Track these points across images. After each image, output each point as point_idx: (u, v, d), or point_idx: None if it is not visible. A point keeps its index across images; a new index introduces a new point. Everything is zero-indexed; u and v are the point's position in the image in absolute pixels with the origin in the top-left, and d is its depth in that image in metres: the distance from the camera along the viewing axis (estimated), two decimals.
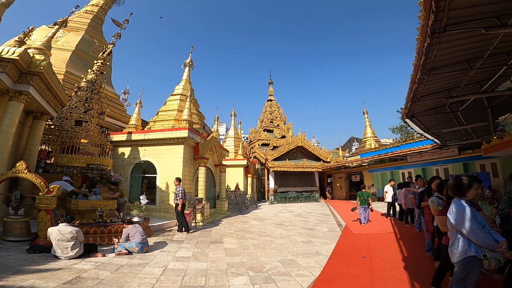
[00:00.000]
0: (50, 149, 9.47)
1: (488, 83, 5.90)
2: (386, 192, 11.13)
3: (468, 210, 2.53)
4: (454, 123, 9.27)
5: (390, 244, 6.49)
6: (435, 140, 12.31)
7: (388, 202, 11.10)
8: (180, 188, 8.21)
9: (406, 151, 17.95)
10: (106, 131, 11.70)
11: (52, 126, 9.28)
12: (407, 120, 8.41)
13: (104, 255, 5.21)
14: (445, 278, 3.52)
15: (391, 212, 11.08)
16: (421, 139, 17.10)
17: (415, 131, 10.33)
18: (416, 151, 17.08)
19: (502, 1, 3.33)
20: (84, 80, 10.53)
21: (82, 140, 9.31)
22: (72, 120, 9.45)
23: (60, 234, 4.85)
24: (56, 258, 4.83)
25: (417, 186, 7.94)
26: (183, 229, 7.96)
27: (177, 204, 8.08)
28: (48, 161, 9.04)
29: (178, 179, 8.50)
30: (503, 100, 7.33)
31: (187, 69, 14.37)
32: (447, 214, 2.73)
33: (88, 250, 5.16)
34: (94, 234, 6.14)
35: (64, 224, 5.06)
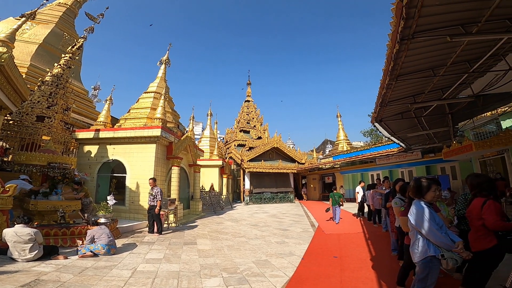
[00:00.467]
0: (7, 146, 8.71)
1: (450, 90, 6.33)
2: (358, 193, 11.58)
3: (427, 211, 2.62)
4: (418, 128, 9.86)
5: (359, 243, 6.73)
6: (401, 143, 13.03)
7: (359, 203, 11.57)
8: (158, 189, 7.90)
9: (375, 154, 18.86)
10: (71, 128, 10.99)
11: (11, 122, 8.54)
12: (376, 124, 8.81)
13: (66, 258, 4.91)
14: (408, 277, 3.64)
15: (361, 212, 11.54)
16: (388, 143, 18.07)
17: (383, 135, 10.88)
18: (384, 154, 18.01)
19: (468, 9, 3.53)
20: (49, 74, 9.84)
21: (44, 137, 8.67)
22: (33, 115, 8.76)
23: (16, 236, 4.51)
24: (13, 260, 4.51)
25: (383, 188, 8.33)
26: (155, 230, 7.67)
27: (153, 206, 7.74)
28: (5, 159, 8.31)
29: (154, 180, 8.15)
30: (463, 107, 7.91)
31: (163, 66, 13.98)
32: (408, 215, 2.81)
33: (49, 253, 4.84)
34: (55, 236, 5.74)
35: (21, 225, 4.69)
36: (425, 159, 16.03)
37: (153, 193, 7.84)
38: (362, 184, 11.82)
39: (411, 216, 2.72)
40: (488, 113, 10.75)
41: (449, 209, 4.49)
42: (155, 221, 7.75)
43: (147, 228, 8.18)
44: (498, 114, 10.68)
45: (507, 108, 10.26)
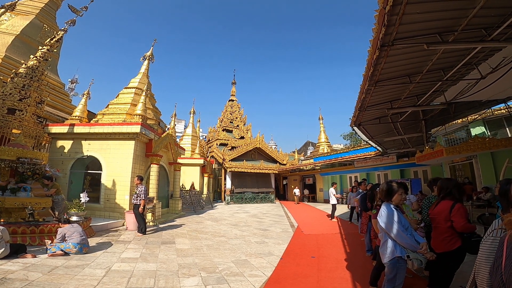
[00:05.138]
0: None
1: (425, 97, 6.65)
2: (334, 194, 11.89)
3: (395, 214, 2.73)
4: (394, 133, 10.28)
5: (336, 244, 6.89)
6: (378, 147, 13.53)
7: (332, 204, 11.88)
8: (143, 188, 7.65)
9: (353, 157, 19.40)
10: (45, 122, 10.42)
11: None
12: (355, 128, 9.09)
13: (35, 256, 4.67)
14: (380, 277, 3.73)
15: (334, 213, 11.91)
16: (366, 146, 18.66)
17: (362, 138, 11.24)
18: (362, 157, 18.57)
19: (447, 18, 3.69)
20: (24, 66, 9.29)
21: (14, 131, 8.17)
22: (4, 108, 8.24)
23: None
24: None
25: (360, 190, 8.60)
26: (139, 230, 7.41)
27: (137, 205, 7.49)
28: None
29: (140, 178, 7.87)
30: (436, 113, 8.34)
31: (146, 62, 13.58)
32: (377, 218, 2.90)
33: (16, 251, 4.59)
34: (22, 234, 5.42)
35: None
36: (399, 163, 16.71)
37: (137, 192, 7.62)
38: (335, 185, 12.19)
39: (380, 218, 2.80)
40: (459, 121, 11.39)
41: (414, 213, 4.63)
42: (137, 220, 7.50)
43: (123, 226, 7.90)
44: (468, 121, 11.35)
45: (476, 116, 10.93)
